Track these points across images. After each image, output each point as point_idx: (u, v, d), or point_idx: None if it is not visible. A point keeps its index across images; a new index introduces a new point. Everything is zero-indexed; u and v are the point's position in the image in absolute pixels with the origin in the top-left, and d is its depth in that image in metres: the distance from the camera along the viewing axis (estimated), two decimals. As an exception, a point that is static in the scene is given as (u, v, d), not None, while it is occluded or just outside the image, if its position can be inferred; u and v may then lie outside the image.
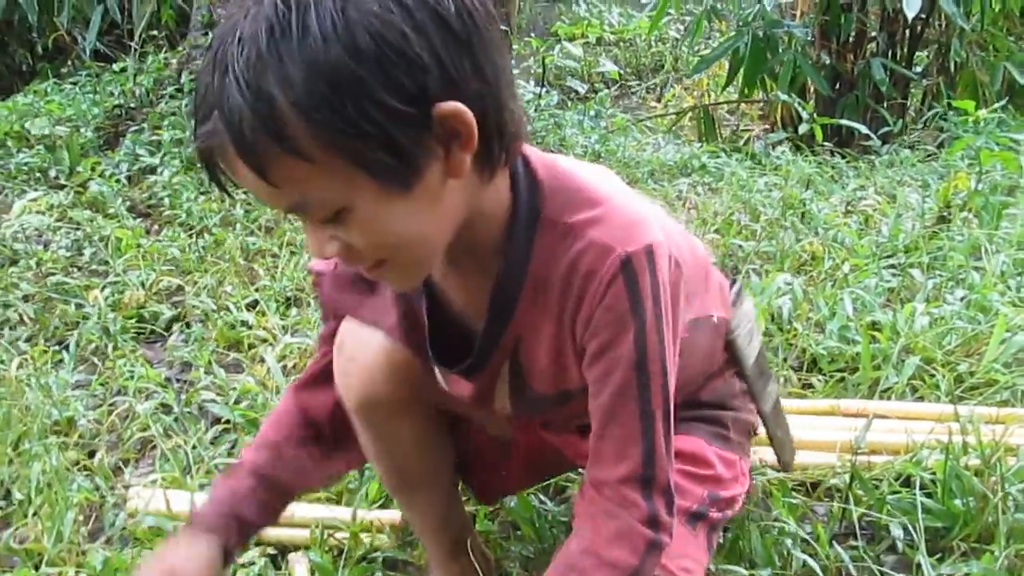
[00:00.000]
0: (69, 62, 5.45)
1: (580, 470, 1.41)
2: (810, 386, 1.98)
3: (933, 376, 1.92)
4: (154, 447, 1.85)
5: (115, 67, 4.51)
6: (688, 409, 1.22)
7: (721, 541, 1.41)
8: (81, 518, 1.63)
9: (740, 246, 2.60)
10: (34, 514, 1.60)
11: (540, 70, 4.72)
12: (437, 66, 0.82)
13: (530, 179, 0.99)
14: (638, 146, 4.04)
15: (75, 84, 4.61)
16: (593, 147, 3.96)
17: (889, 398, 1.90)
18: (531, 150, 1.01)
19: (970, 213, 2.78)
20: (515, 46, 7.21)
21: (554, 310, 1.00)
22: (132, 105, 4.10)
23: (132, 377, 2.04)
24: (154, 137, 3.68)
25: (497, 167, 0.94)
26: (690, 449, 1.20)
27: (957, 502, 1.45)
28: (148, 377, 2.04)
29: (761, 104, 5.38)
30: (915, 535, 1.39)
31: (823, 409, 1.85)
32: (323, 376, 1.25)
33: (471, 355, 1.07)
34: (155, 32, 4.85)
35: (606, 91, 6.12)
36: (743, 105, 5.57)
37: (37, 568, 1.49)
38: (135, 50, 4.62)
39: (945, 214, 2.84)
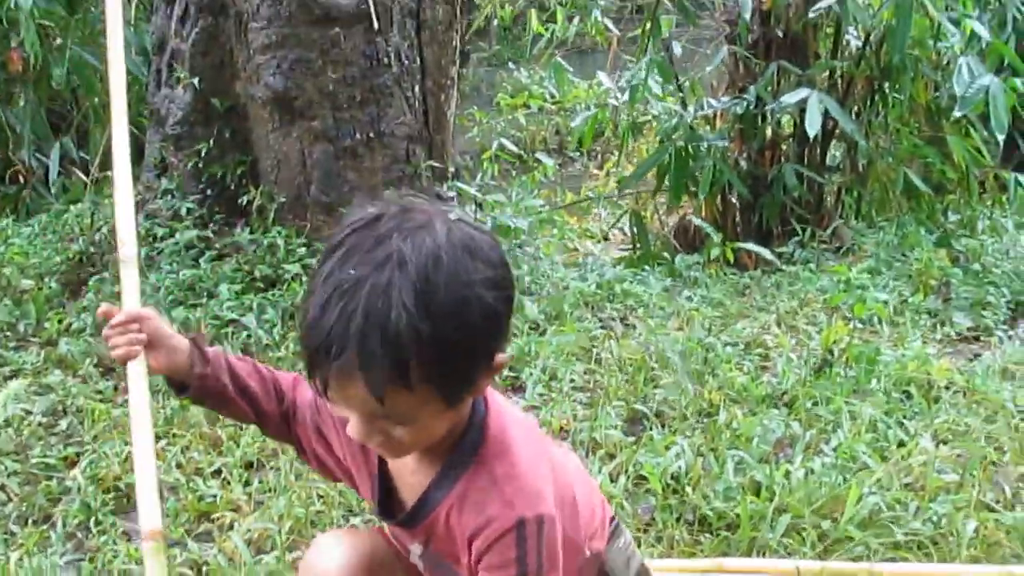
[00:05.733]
0: (27, 191, 5.68)
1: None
2: (699, 543, 2.33)
3: (800, 533, 2.30)
4: (139, 626, 2.14)
5: (73, 210, 4.75)
6: None
7: None
8: None
9: (644, 398, 2.98)
10: None
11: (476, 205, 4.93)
12: (507, 330, 1.28)
13: (482, 414, 1.36)
14: (563, 278, 4.34)
15: (34, 226, 4.81)
16: (524, 279, 4.30)
17: (765, 555, 2.26)
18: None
19: (846, 366, 3.19)
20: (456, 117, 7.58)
21: (463, 525, 1.33)
22: (92, 251, 4.34)
23: (116, 556, 2.32)
24: (116, 288, 3.93)
25: None
26: None
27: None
28: (129, 555, 2.32)
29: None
30: None
31: (707, 567, 2.21)
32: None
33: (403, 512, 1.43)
34: (109, 172, 5.10)
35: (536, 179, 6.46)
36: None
37: None
38: (90, 185, 4.91)
39: (828, 358, 3.25)
